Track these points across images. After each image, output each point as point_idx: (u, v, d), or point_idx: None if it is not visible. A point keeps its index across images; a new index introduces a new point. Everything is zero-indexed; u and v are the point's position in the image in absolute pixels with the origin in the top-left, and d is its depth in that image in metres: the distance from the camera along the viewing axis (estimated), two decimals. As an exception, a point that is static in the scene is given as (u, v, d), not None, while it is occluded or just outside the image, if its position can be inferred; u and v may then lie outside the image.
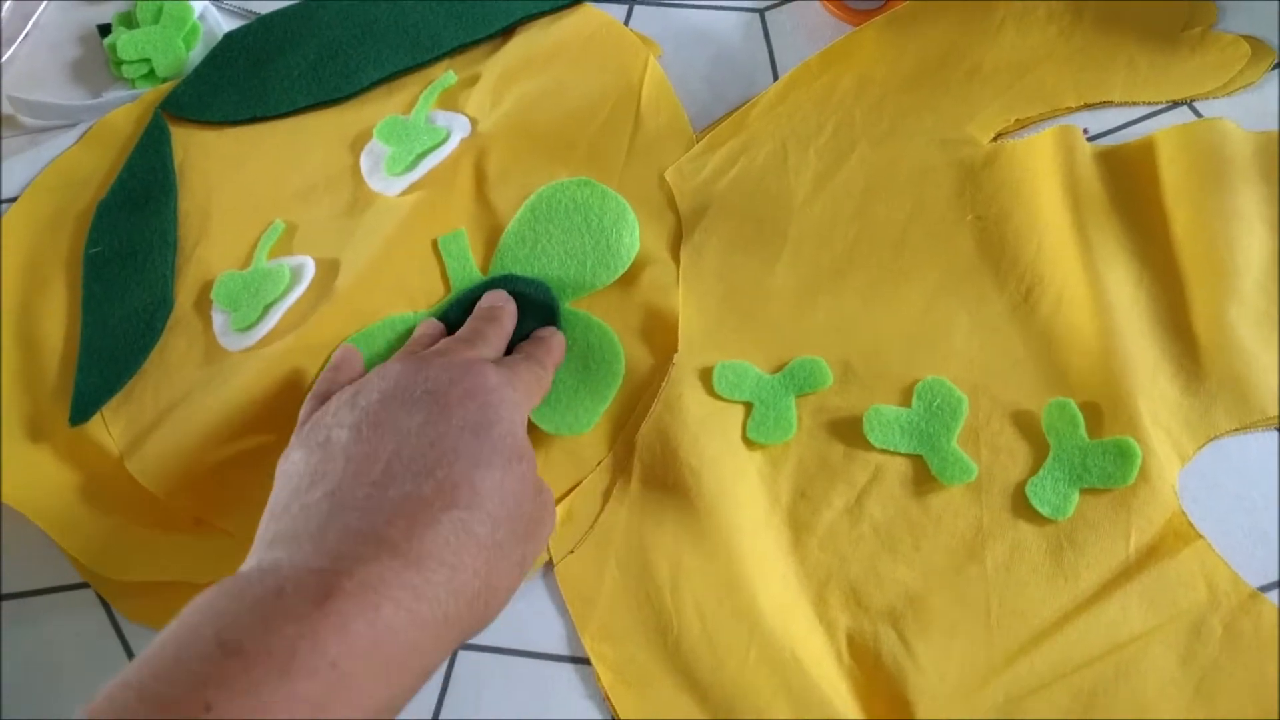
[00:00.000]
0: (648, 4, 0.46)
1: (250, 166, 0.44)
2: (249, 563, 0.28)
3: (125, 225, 0.43)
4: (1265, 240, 0.38)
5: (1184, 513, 0.35)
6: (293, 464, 0.30)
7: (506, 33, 0.46)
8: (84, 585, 0.38)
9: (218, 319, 0.41)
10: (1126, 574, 0.34)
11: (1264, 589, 0.34)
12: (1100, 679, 0.33)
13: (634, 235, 0.40)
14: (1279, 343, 0.36)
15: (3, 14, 0.48)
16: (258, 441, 0.38)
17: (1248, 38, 0.42)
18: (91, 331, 0.41)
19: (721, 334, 0.39)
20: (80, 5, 0.51)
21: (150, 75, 0.48)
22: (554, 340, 0.37)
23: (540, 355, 0.36)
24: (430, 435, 0.29)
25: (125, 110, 0.46)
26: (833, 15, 0.44)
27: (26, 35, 0.50)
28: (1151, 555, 0.34)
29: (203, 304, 0.41)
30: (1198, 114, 0.41)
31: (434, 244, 0.41)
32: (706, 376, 0.38)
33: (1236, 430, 0.36)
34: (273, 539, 0.28)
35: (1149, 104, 0.41)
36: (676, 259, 0.40)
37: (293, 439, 0.32)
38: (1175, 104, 0.41)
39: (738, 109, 0.43)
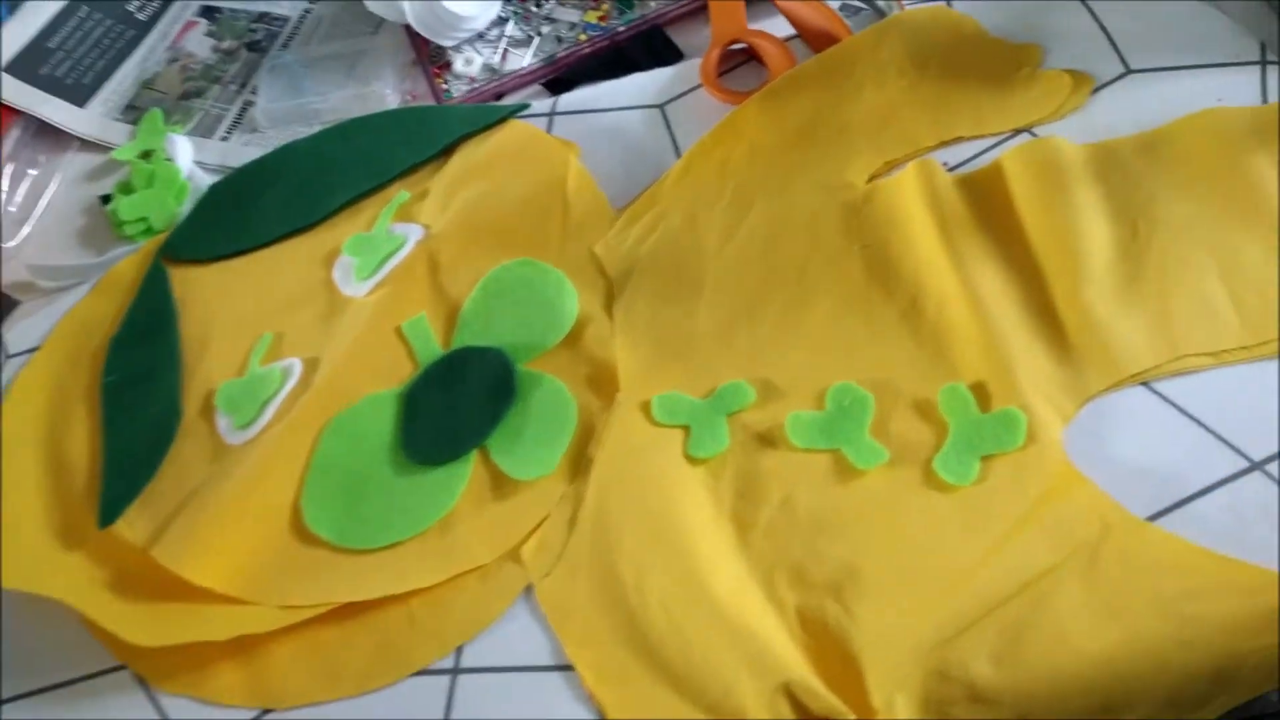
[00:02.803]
0: (565, 114, 0.54)
1: (239, 291, 0.51)
2: None
3: (136, 354, 0.49)
4: (1106, 229, 0.44)
5: (1071, 463, 0.40)
6: None
7: (447, 152, 0.53)
8: (121, 667, 0.42)
9: (221, 422, 0.47)
10: (1029, 520, 0.39)
11: (1150, 518, 0.38)
12: (1020, 612, 0.37)
13: (574, 301, 0.46)
14: (1129, 312, 0.42)
15: (18, 198, 0.56)
16: (262, 518, 0.43)
17: (1070, 71, 0.49)
18: (113, 446, 0.47)
19: (656, 372, 0.45)
20: (82, 183, 0.59)
21: (148, 230, 0.55)
22: None
23: None
24: None
25: (128, 261, 0.53)
26: (719, 100, 0.51)
27: (39, 215, 0.58)
28: (1048, 501, 0.39)
29: (207, 411, 0.47)
30: (1036, 138, 0.48)
31: (399, 330, 0.47)
32: (646, 408, 0.44)
33: (1107, 389, 0.41)
34: None
35: (994, 135, 0.48)
36: (612, 316, 0.47)
37: None
38: (1017, 132, 0.48)
39: (650, 187, 0.50)
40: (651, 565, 0.40)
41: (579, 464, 0.43)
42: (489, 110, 0.54)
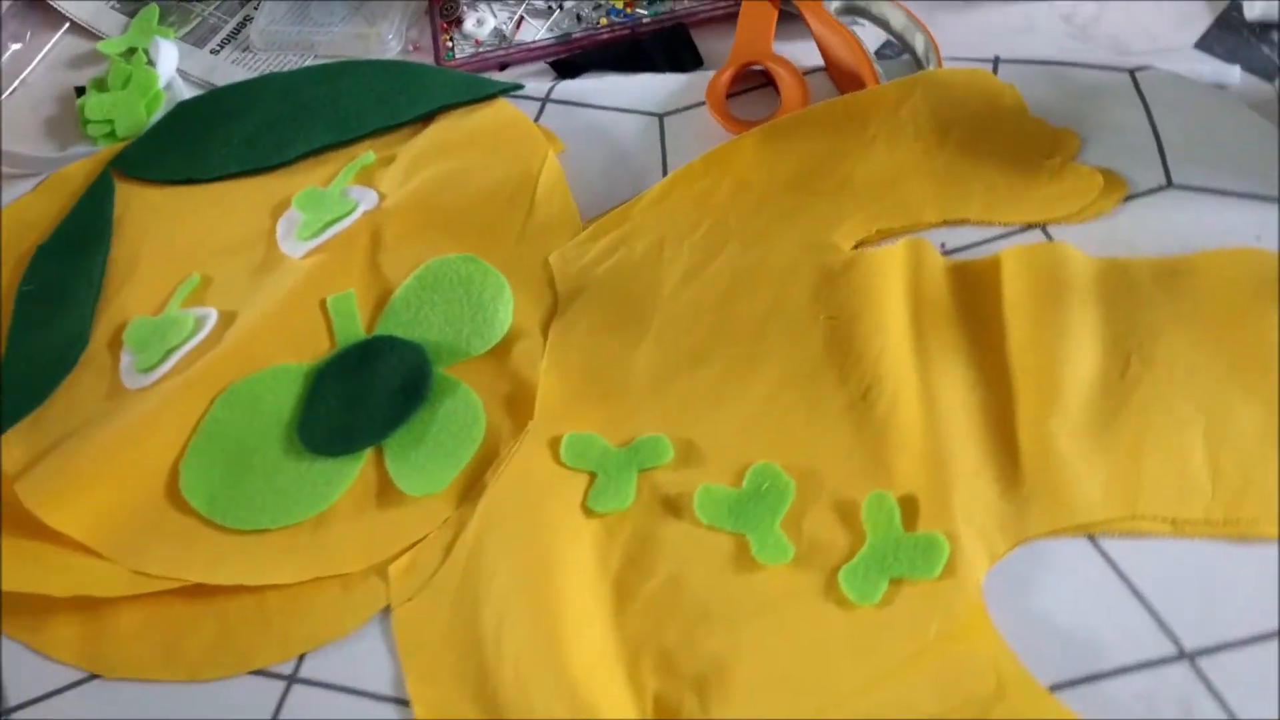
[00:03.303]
0: (558, 103, 0.50)
1: (179, 223, 0.48)
2: None
3: (58, 267, 0.47)
4: (1095, 358, 0.40)
5: (984, 608, 0.36)
6: None
7: (426, 120, 0.50)
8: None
9: (124, 359, 0.44)
10: (922, 659, 0.35)
11: (1053, 688, 0.35)
12: (884, 757, 0.34)
13: (509, 310, 0.43)
14: (1094, 455, 0.38)
15: None
16: (136, 474, 0.41)
17: (1104, 170, 0.44)
18: (11, 361, 0.45)
19: (577, 407, 0.42)
20: (63, 68, 0.56)
21: (111, 135, 0.52)
22: None
23: None
24: None
25: (80, 164, 0.51)
26: (720, 124, 0.47)
27: (13, 91, 0.55)
28: (947, 643, 0.36)
29: (115, 345, 0.45)
30: (1050, 238, 0.44)
31: (323, 303, 0.44)
32: (555, 445, 0.41)
33: (1048, 534, 0.38)
34: None
35: (1004, 224, 0.44)
36: (547, 337, 0.43)
37: None
38: (1029, 226, 0.44)
39: (624, 204, 0.46)
40: (516, 618, 0.37)
41: (472, 488, 0.40)
42: (479, 83, 0.50)
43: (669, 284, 0.44)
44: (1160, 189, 0.44)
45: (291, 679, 0.38)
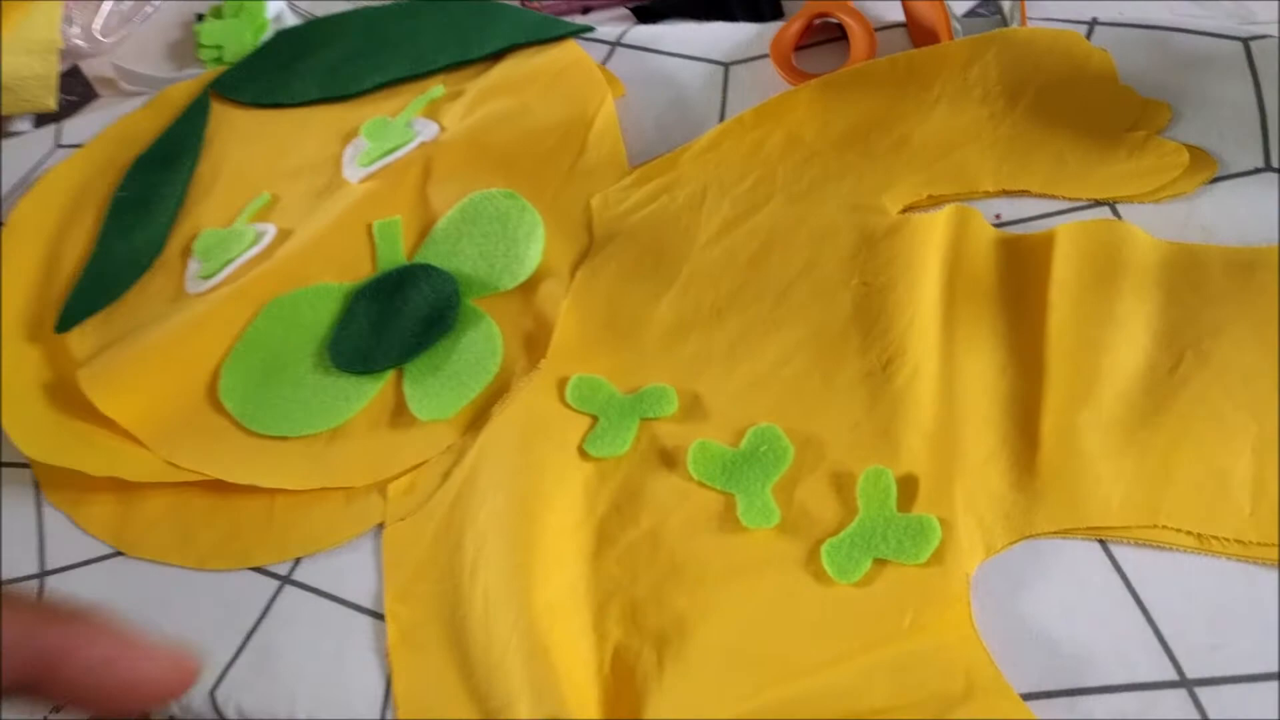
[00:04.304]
0: (627, 47, 0.49)
1: (259, 144, 0.51)
2: None
3: (151, 177, 0.50)
4: (1144, 352, 0.37)
5: (968, 602, 0.34)
6: None
7: (497, 57, 0.50)
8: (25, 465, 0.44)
9: (191, 266, 0.47)
10: (889, 647, 0.34)
11: (1028, 697, 0.32)
12: (827, 741, 0.33)
13: (539, 248, 0.43)
14: (1122, 455, 0.35)
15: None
16: (182, 373, 0.44)
17: (1192, 147, 0.40)
18: (97, 259, 0.48)
19: (591, 349, 0.41)
20: (195, -1, 0.60)
21: (219, 59, 0.55)
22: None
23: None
24: None
25: (185, 84, 0.54)
26: (781, 76, 0.46)
27: (143, 18, 0.59)
28: (921, 635, 0.34)
29: (186, 253, 0.48)
30: (1118, 217, 0.40)
31: (370, 228, 0.46)
32: (563, 385, 0.41)
33: (1055, 534, 0.35)
34: None
35: (1069, 199, 0.41)
36: (573, 278, 0.43)
37: None
38: (1097, 203, 0.40)
39: (673, 151, 0.45)
40: (493, 549, 0.38)
41: (479, 419, 0.41)
42: (551, 24, 0.50)
43: (704, 235, 0.43)
44: (1256, 172, 0.40)
45: (285, 579, 0.40)
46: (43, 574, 0.42)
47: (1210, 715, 0.31)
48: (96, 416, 0.43)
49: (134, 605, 0.40)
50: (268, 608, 0.39)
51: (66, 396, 0.44)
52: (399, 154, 0.47)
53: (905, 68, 0.44)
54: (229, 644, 0.39)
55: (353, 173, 0.48)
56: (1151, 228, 0.39)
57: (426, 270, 0.44)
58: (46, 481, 0.44)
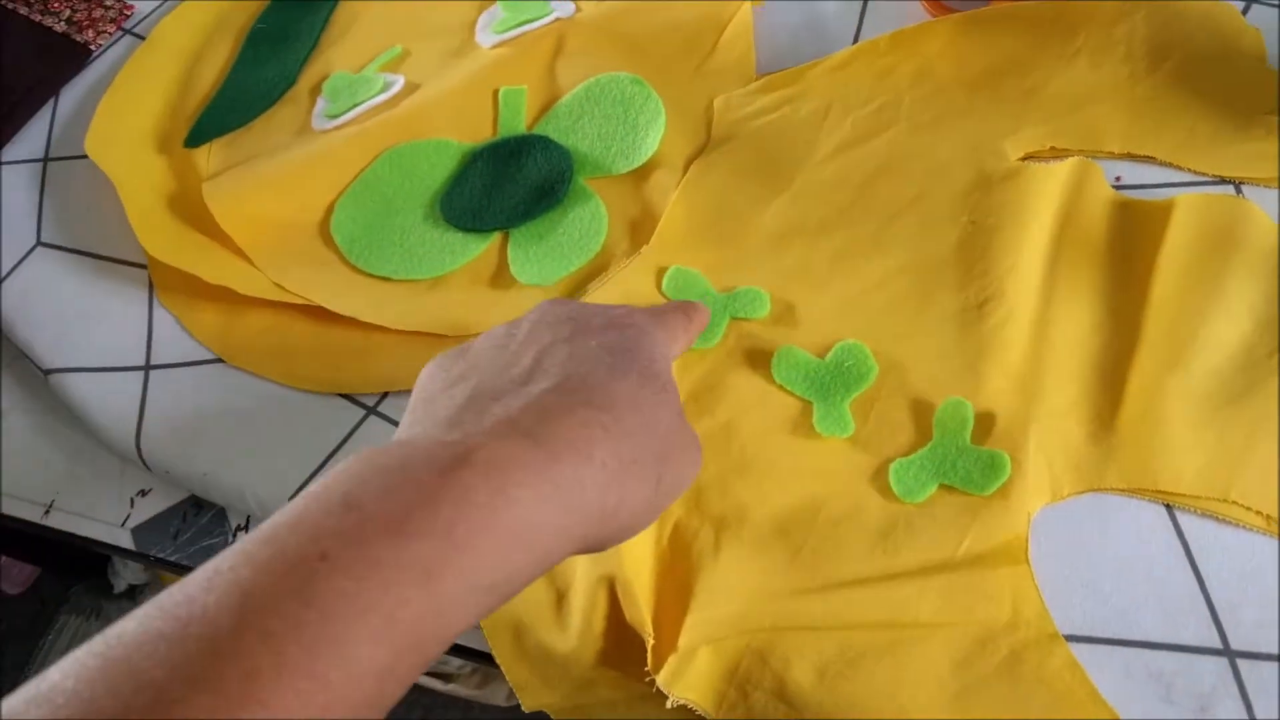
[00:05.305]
0: (774, -42, 0.49)
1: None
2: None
3: (291, 14, 0.52)
4: (1245, 331, 0.37)
5: (1027, 541, 0.35)
6: (436, 366, 0.31)
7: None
8: (142, 265, 0.47)
9: (319, 104, 0.49)
10: (942, 571, 0.34)
11: (1069, 638, 0.33)
12: (870, 645, 0.34)
13: (657, 137, 0.44)
14: (1204, 426, 0.35)
15: None
16: (298, 202, 0.45)
17: (1332, 138, 0.40)
18: (230, 85, 0.50)
19: (693, 243, 0.42)
20: None
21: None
22: (704, 311, 0.37)
23: (690, 311, 0.36)
24: (570, 349, 0.29)
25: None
26: (925, 8, 0.45)
27: None
28: (975, 565, 0.35)
29: (315, 91, 0.49)
30: (1238, 195, 0.40)
31: (496, 93, 0.47)
32: (661, 273, 0.42)
33: (1122, 491, 0.35)
34: (409, 424, 0.29)
35: (1193, 172, 0.40)
36: (685, 172, 0.44)
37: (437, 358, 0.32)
38: (1222, 181, 0.40)
39: (802, 66, 0.46)
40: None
41: (575, 293, 0.42)
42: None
43: (822, 150, 0.43)
44: (1390, 175, 0.39)
45: (372, 410, 0.42)
46: (148, 367, 0.44)
47: (1248, 687, 0.32)
48: (214, 231, 0.45)
49: (229, 410, 0.42)
50: (351, 433, 0.41)
51: (188, 208, 0.46)
52: (532, 25, 0.48)
53: (1051, 15, 0.43)
54: (310, 461, 0.41)
55: (486, 38, 0.48)
56: (1274, 212, 0.39)
57: (545, 143, 0.45)
58: (161, 284, 0.46)
